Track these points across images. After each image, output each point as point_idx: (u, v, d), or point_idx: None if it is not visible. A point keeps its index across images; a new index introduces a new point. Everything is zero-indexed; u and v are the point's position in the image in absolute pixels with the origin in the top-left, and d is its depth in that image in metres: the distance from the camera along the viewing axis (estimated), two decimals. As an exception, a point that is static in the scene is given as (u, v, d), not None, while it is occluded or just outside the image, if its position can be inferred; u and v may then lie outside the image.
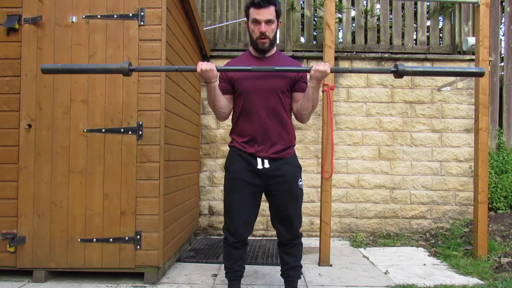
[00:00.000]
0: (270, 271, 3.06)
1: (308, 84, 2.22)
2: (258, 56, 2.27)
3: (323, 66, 2.10)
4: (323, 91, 3.31)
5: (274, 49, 2.30)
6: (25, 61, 2.69)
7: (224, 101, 2.23)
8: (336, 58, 4.40)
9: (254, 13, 2.17)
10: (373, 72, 2.57)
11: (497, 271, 3.03)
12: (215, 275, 2.96)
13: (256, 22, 2.17)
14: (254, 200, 2.29)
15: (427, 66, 4.50)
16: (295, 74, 2.25)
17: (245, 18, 2.28)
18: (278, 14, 2.22)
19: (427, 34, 4.80)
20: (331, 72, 2.15)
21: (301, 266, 2.39)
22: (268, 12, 2.15)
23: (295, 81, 2.26)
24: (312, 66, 2.13)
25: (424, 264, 3.33)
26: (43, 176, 2.68)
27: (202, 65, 2.07)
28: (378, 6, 4.84)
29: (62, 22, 2.70)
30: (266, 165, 2.22)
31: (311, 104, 2.21)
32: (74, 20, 2.70)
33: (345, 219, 4.43)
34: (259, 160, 2.22)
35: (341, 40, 4.77)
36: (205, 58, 4.44)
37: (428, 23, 4.86)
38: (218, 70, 2.12)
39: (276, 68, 2.12)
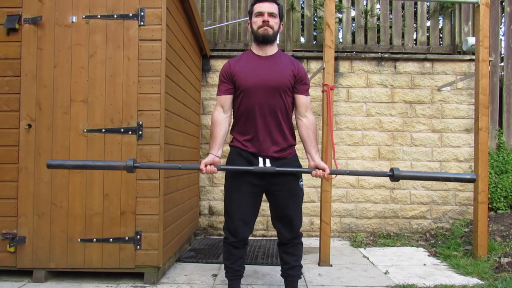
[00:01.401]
0: (270, 271, 3.06)
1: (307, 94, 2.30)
2: (260, 55, 2.26)
3: (321, 173, 2.21)
4: (323, 91, 3.31)
5: (276, 49, 2.30)
6: (25, 61, 2.69)
7: (224, 134, 2.29)
8: (336, 58, 4.40)
9: (258, 7, 2.22)
10: (369, 175, 2.66)
11: (497, 271, 3.03)
12: (215, 275, 2.96)
13: (260, 14, 2.20)
14: (254, 199, 2.29)
15: (427, 66, 4.50)
16: (295, 73, 2.25)
17: (246, 18, 2.29)
18: (280, 14, 2.25)
19: (427, 34, 4.80)
20: (330, 174, 2.25)
21: (301, 266, 2.39)
22: (272, 6, 2.21)
23: (296, 81, 2.26)
24: (312, 170, 2.22)
25: (424, 264, 3.33)
26: (43, 176, 2.67)
27: (205, 169, 2.19)
28: (378, 6, 4.84)
29: (62, 22, 2.70)
30: (268, 164, 2.22)
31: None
32: (74, 20, 2.70)
33: (345, 219, 4.43)
34: (260, 160, 2.22)
35: (341, 40, 4.77)
36: (205, 58, 4.45)
37: (428, 23, 4.86)
38: (219, 169, 2.20)
39: (277, 169, 2.15)
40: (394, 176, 2.15)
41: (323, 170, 2.20)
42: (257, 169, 2.16)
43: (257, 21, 2.21)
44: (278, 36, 2.34)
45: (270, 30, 2.20)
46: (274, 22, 2.21)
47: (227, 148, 2.44)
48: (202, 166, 2.17)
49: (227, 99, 2.27)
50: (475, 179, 2.21)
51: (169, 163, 2.91)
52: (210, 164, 2.18)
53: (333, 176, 3.26)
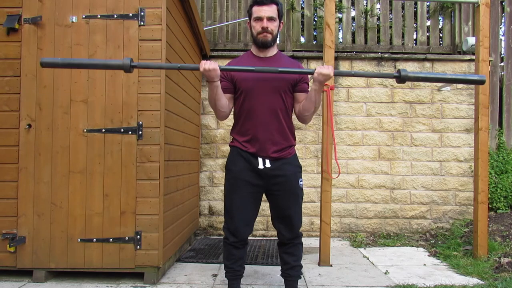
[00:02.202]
0: (270, 271, 3.06)
1: (310, 86, 2.22)
2: (259, 56, 2.27)
3: (326, 69, 2.08)
4: (323, 91, 3.31)
5: (276, 50, 2.31)
6: (25, 61, 2.69)
7: (225, 101, 2.24)
8: (336, 58, 4.40)
9: (257, 10, 2.20)
10: (376, 76, 2.61)
11: (497, 271, 3.03)
12: (215, 275, 2.96)
13: (258, 19, 2.19)
14: (254, 200, 2.29)
15: (427, 66, 4.51)
16: (296, 75, 2.25)
17: (246, 18, 2.29)
18: (280, 14, 2.24)
19: (427, 34, 4.80)
20: (334, 75, 2.14)
21: (301, 266, 2.39)
22: (270, 10, 2.19)
23: (297, 82, 2.26)
24: (315, 69, 2.11)
25: (424, 264, 3.33)
26: (43, 176, 2.67)
27: (205, 64, 2.10)
28: (378, 6, 4.84)
29: (62, 22, 2.70)
30: (268, 164, 2.22)
31: (313, 106, 2.21)
32: (74, 20, 2.70)
33: (345, 219, 4.43)
34: (260, 160, 2.22)
35: (341, 40, 4.77)
36: (205, 58, 4.45)
37: (428, 23, 4.86)
38: (221, 69, 2.13)
39: (280, 69, 2.10)
40: (401, 77, 2.08)
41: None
42: (258, 69, 2.11)
43: (256, 26, 2.21)
44: (278, 36, 2.34)
45: (269, 36, 2.20)
46: (273, 26, 2.20)
47: (227, 148, 2.44)
48: (201, 63, 2.13)
49: (226, 96, 2.27)
50: (484, 80, 2.14)
51: (169, 163, 2.92)
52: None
53: (334, 176, 3.26)
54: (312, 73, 2.12)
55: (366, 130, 4.45)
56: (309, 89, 2.26)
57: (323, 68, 2.09)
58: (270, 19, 2.19)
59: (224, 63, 4.28)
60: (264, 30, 2.18)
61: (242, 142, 2.27)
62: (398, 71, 2.10)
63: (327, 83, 3.23)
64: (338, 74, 2.25)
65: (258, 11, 2.19)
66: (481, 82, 2.14)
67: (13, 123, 2.70)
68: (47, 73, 2.68)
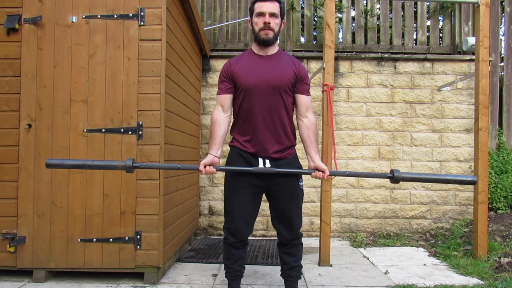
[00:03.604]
0: (270, 271, 3.06)
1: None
2: (260, 54, 2.26)
3: (321, 174, 2.20)
4: (323, 91, 3.31)
5: (277, 48, 2.29)
6: (25, 61, 2.69)
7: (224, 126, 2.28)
8: (336, 58, 4.40)
9: (259, 6, 2.19)
10: (370, 176, 2.71)
11: (497, 271, 3.03)
12: (215, 275, 2.96)
13: (261, 14, 2.18)
14: (254, 200, 2.29)
15: (427, 66, 4.50)
16: (296, 73, 2.25)
17: (246, 18, 2.28)
18: (282, 12, 2.23)
19: (427, 34, 4.80)
20: (330, 175, 2.24)
21: (301, 266, 2.39)
22: (273, 6, 2.18)
23: (296, 81, 2.25)
24: (312, 171, 2.21)
25: (424, 264, 3.33)
26: (43, 176, 2.67)
27: (205, 170, 2.16)
28: (378, 6, 4.84)
29: (62, 22, 2.70)
30: (268, 165, 2.21)
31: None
32: (74, 20, 2.70)
33: (345, 219, 4.43)
34: (260, 161, 2.22)
35: (341, 40, 4.77)
36: (205, 58, 4.45)
37: (428, 23, 4.86)
38: (218, 170, 2.18)
39: (276, 170, 2.15)
40: (394, 178, 2.13)
41: (323, 171, 2.19)
42: (256, 170, 2.15)
43: (258, 22, 2.19)
44: (279, 36, 2.33)
45: (271, 33, 2.19)
46: (275, 23, 2.19)
47: (227, 148, 2.44)
48: (201, 167, 2.15)
49: (227, 98, 2.26)
50: (476, 181, 2.20)
51: (169, 163, 2.91)
52: (209, 165, 2.17)
53: (333, 176, 3.26)
54: (309, 173, 2.23)
55: (366, 130, 4.45)
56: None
57: (318, 173, 2.21)
58: (272, 15, 2.18)
59: (224, 62, 4.28)
60: (266, 25, 2.16)
61: (242, 142, 2.26)
62: (392, 171, 2.15)
63: (327, 83, 3.24)
64: (333, 174, 2.31)
65: (261, 6, 2.18)
66: (473, 183, 2.19)
67: (13, 123, 2.70)
68: (47, 73, 2.68)
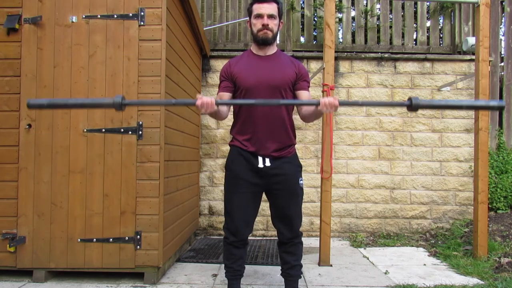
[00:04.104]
0: (270, 271, 3.06)
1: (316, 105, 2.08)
2: (259, 55, 2.27)
3: (331, 104, 1.96)
4: (323, 91, 3.31)
5: (275, 49, 2.30)
6: (25, 61, 2.69)
7: (224, 111, 2.23)
8: (336, 58, 4.40)
9: (257, 8, 2.20)
10: (385, 105, 2.42)
11: (497, 271, 3.03)
12: (215, 275, 2.96)
13: (259, 16, 2.19)
14: (254, 199, 2.29)
15: (427, 66, 4.50)
16: (296, 72, 2.26)
17: (246, 18, 2.29)
18: (280, 12, 2.25)
19: (427, 34, 4.80)
20: (339, 105, 2.00)
21: (301, 265, 2.39)
22: (271, 7, 2.19)
23: (296, 79, 2.26)
24: (319, 100, 1.99)
25: (424, 264, 3.33)
26: (43, 176, 2.67)
27: (202, 99, 1.97)
28: (378, 6, 4.84)
29: (62, 22, 2.70)
30: (267, 163, 2.22)
31: (312, 118, 2.27)
32: (74, 20, 2.70)
33: (345, 219, 4.43)
34: (260, 159, 2.22)
35: (341, 40, 4.77)
36: (205, 58, 4.45)
37: (428, 23, 4.86)
38: (217, 104, 2.02)
39: (281, 101, 2.10)
40: (413, 105, 1.92)
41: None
42: (260, 102, 2.05)
43: (256, 24, 2.21)
44: (278, 36, 2.33)
45: (269, 33, 2.20)
46: (274, 24, 2.21)
47: (227, 148, 2.44)
48: (198, 102, 1.96)
49: (226, 95, 2.27)
50: (503, 106, 1.98)
51: (169, 163, 2.92)
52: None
53: (326, 176, 3.26)
54: (317, 104, 2.02)
55: (366, 130, 4.45)
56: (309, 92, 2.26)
57: (327, 100, 1.97)
58: (271, 16, 2.19)
59: (224, 63, 4.28)
60: (265, 27, 2.18)
61: (242, 141, 2.27)
62: (410, 99, 1.94)
63: (327, 83, 3.24)
64: (343, 104, 2.07)
65: (259, 8, 2.19)
66: (500, 108, 1.99)
67: (13, 123, 2.70)
68: (47, 73, 2.68)
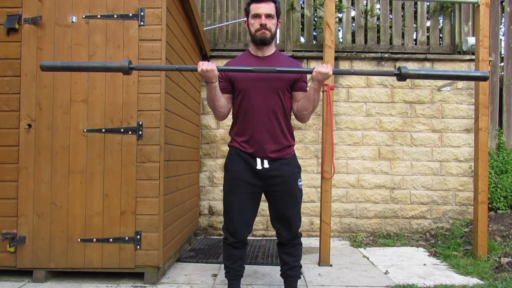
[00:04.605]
0: (270, 271, 3.06)
1: (309, 85, 2.21)
2: (258, 55, 2.27)
3: (325, 68, 2.07)
4: (323, 91, 3.31)
5: (274, 49, 2.30)
6: (25, 61, 2.69)
7: (223, 101, 2.24)
8: (336, 58, 4.40)
9: (255, 8, 2.19)
10: (376, 74, 2.61)
11: (497, 271, 3.03)
12: (215, 275, 2.96)
13: (257, 16, 2.19)
14: (253, 200, 2.29)
15: (427, 66, 4.51)
16: (295, 74, 2.25)
17: (246, 18, 2.29)
18: (278, 12, 2.24)
19: (427, 34, 4.80)
20: (333, 74, 2.12)
21: (300, 266, 2.39)
22: (269, 7, 2.18)
23: (295, 81, 2.26)
24: (314, 68, 2.10)
25: (424, 264, 3.33)
26: (43, 176, 2.68)
27: (203, 65, 2.07)
28: (378, 6, 4.84)
29: (62, 22, 2.70)
30: (266, 165, 2.22)
31: (312, 104, 2.21)
32: (74, 20, 2.70)
33: (345, 219, 4.43)
34: (258, 161, 2.22)
35: (341, 40, 4.77)
36: (205, 58, 4.45)
37: (428, 23, 4.86)
38: (219, 70, 2.10)
39: (278, 69, 2.10)
40: (402, 74, 2.03)
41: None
42: (256, 69, 2.10)
43: (254, 24, 2.20)
44: (278, 36, 2.33)
45: (267, 33, 2.19)
46: (272, 23, 2.20)
47: (227, 148, 2.44)
48: (199, 63, 2.08)
49: (225, 96, 2.27)
50: (487, 77, 2.11)
51: (169, 163, 2.92)
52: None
53: (328, 176, 3.26)
54: (311, 72, 2.11)
55: (366, 130, 4.45)
56: (307, 88, 2.26)
57: (322, 67, 2.08)
58: (268, 16, 2.18)
59: (223, 63, 4.27)
60: (263, 27, 2.17)
61: (241, 142, 2.26)
62: (399, 68, 2.07)
63: (327, 82, 3.24)
64: (337, 72, 2.21)
65: (256, 8, 2.18)
66: (484, 79, 2.10)
67: (13, 123, 2.70)
68: (47, 73, 2.68)
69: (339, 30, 4.89)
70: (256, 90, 2.19)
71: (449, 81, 4.42)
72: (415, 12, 4.80)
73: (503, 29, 4.96)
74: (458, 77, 2.20)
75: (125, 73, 2.12)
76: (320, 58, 4.42)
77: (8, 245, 2.64)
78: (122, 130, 2.68)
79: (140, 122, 2.68)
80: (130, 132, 2.68)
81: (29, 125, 2.68)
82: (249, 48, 2.34)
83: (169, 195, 2.91)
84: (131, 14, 2.69)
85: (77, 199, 2.67)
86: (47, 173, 2.67)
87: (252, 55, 2.29)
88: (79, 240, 2.67)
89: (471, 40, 4.36)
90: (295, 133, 2.38)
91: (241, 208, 2.26)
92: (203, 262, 3.31)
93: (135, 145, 2.68)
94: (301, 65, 2.33)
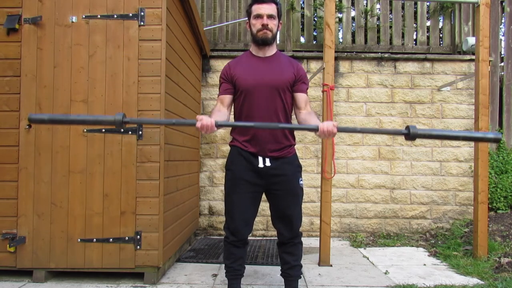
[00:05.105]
0: (270, 271, 3.06)
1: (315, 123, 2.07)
2: (259, 56, 2.27)
3: (330, 127, 1.94)
4: (323, 91, 3.31)
5: (275, 50, 2.31)
6: (25, 61, 2.69)
7: (226, 115, 2.23)
8: (336, 58, 4.40)
9: (257, 8, 2.21)
10: (382, 132, 2.45)
11: (497, 271, 3.03)
12: (215, 275, 2.96)
13: (258, 16, 2.20)
14: (255, 199, 2.30)
15: (427, 66, 4.50)
16: (295, 74, 2.27)
17: (246, 18, 2.30)
18: (279, 13, 2.26)
19: (427, 34, 4.80)
20: (338, 131, 1.97)
21: (301, 266, 2.39)
22: (270, 8, 2.20)
23: (295, 81, 2.27)
24: (318, 126, 1.97)
25: (424, 264, 3.33)
26: (43, 176, 2.67)
27: (202, 120, 1.92)
28: (378, 6, 4.84)
29: (62, 22, 2.70)
30: (268, 163, 2.22)
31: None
32: (74, 20, 2.70)
33: (345, 219, 4.43)
34: (260, 159, 2.23)
35: (341, 40, 4.77)
36: (205, 58, 4.45)
37: (428, 23, 4.86)
38: (217, 125, 1.95)
39: (280, 125, 2.03)
40: (410, 134, 1.87)
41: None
42: (258, 125, 2.01)
43: (256, 24, 2.21)
44: (278, 36, 2.34)
45: (269, 33, 2.21)
46: (273, 24, 2.22)
47: (227, 148, 2.44)
48: (198, 124, 1.92)
49: (227, 97, 2.29)
50: (500, 139, 1.94)
51: (169, 163, 2.91)
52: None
53: (329, 176, 3.26)
54: (316, 129, 1.98)
55: (366, 130, 4.45)
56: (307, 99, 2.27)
57: (327, 126, 1.95)
58: (270, 16, 2.20)
59: (224, 63, 4.29)
60: (264, 27, 2.19)
61: (242, 142, 2.27)
62: (407, 127, 1.87)
63: (327, 83, 3.24)
64: (342, 130, 2.01)
65: (258, 9, 2.20)
66: (497, 141, 1.93)
67: (13, 123, 2.70)
68: (47, 73, 2.68)
69: (339, 30, 4.89)
70: (258, 90, 2.20)
71: (448, 80, 4.42)
72: (415, 12, 4.80)
73: (503, 29, 4.96)
74: (469, 138, 2.02)
75: (118, 127, 1.90)
76: (320, 58, 4.42)
77: (8, 245, 2.64)
78: (122, 130, 2.68)
79: (140, 122, 2.68)
80: (130, 132, 2.68)
81: (29, 125, 2.68)
82: (250, 48, 2.34)
83: (169, 195, 2.91)
84: (131, 14, 2.69)
85: (77, 199, 2.67)
86: (47, 173, 2.67)
87: (253, 55, 2.30)
88: (79, 240, 2.67)
89: (471, 40, 4.36)
90: (295, 133, 2.38)
91: (243, 207, 2.26)
92: (203, 262, 3.31)
93: (135, 145, 2.68)
94: (301, 66, 2.34)
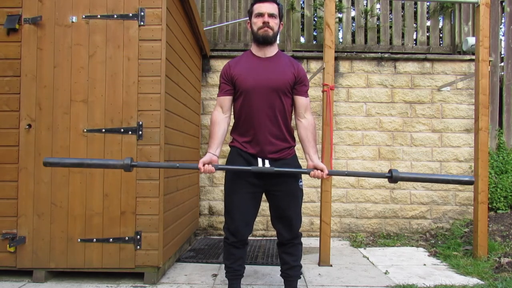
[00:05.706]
0: (270, 271, 3.06)
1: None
2: (259, 56, 2.26)
3: (320, 173, 2.20)
4: (323, 91, 3.32)
5: (276, 50, 2.30)
6: (25, 61, 2.69)
7: (226, 121, 2.31)
8: (336, 58, 4.40)
9: (258, 7, 2.21)
10: (368, 176, 2.84)
11: (497, 271, 3.03)
12: (215, 275, 2.96)
13: (260, 15, 2.20)
14: (254, 200, 2.29)
15: (427, 66, 4.50)
16: (295, 75, 2.26)
17: (246, 18, 2.29)
18: (280, 13, 2.26)
19: (427, 34, 4.80)
20: (328, 175, 2.23)
21: (300, 266, 2.39)
22: (272, 7, 2.21)
23: (295, 83, 2.26)
24: (310, 170, 2.20)
25: (424, 264, 3.33)
26: (43, 176, 2.67)
27: (205, 167, 2.14)
28: (378, 6, 4.84)
29: (62, 22, 2.70)
30: (267, 165, 2.22)
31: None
32: (74, 20, 2.70)
33: (345, 219, 4.43)
34: (259, 161, 2.22)
35: (341, 40, 4.77)
36: (205, 58, 4.45)
37: (428, 23, 4.86)
38: (217, 169, 2.16)
39: (275, 169, 2.14)
40: (393, 177, 2.13)
41: (321, 170, 2.19)
42: (256, 169, 2.15)
43: (257, 22, 2.21)
44: (278, 36, 2.33)
45: (270, 31, 2.20)
46: (274, 22, 2.21)
47: (227, 148, 2.45)
48: (200, 165, 2.14)
49: (226, 99, 2.28)
50: (474, 181, 2.21)
51: (169, 162, 2.91)
52: (208, 163, 2.17)
53: (330, 176, 3.26)
54: (308, 173, 2.21)
55: (366, 130, 4.45)
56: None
57: (317, 172, 2.20)
58: (271, 15, 2.20)
59: (224, 63, 4.29)
60: (265, 25, 2.18)
61: (242, 143, 2.27)
62: (390, 171, 2.14)
63: (327, 83, 3.24)
64: (332, 174, 2.31)
65: (260, 7, 2.21)
66: (471, 183, 2.20)
67: (13, 123, 2.70)
68: (47, 73, 2.68)
69: (339, 30, 4.89)
70: (258, 90, 2.20)
71: (448, 80, 4.42)
72: (415, 12, 4.80)
73: (503, 29, 4.96)
74: (446, 181, 2.28)
75: (126, 170, 2.14)
76: (320, 58, 4.42)
77: (8, 245, 2.64)
78: (122, 130, 2.68)
79: (140, 122, 2.68)
80: (130, 132, 2.68)
81: (29, 125, 2.68)
82: (250, 48, 2.33)
83: (169, 195, 2.91)
84: (131, 14, 2.69)
85: (77, 199, 2.67)
86: (47, 173, 2.67)
87: (253, 55, 2.28)
88: (79, 240, 2.67)
89: (471, 40, 4.36)
90: (295, 133, 2.38)
91: (242, 208, 2.26)
92: (203, 262, 3.31)
93: (135, 145, 2.68)
94: (301, 67, 2.33)
